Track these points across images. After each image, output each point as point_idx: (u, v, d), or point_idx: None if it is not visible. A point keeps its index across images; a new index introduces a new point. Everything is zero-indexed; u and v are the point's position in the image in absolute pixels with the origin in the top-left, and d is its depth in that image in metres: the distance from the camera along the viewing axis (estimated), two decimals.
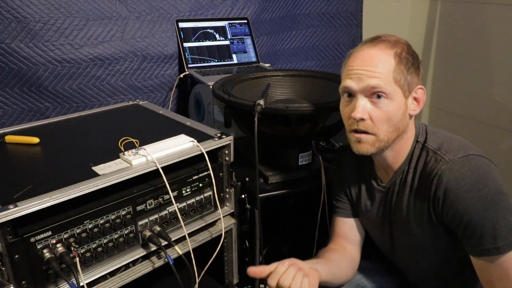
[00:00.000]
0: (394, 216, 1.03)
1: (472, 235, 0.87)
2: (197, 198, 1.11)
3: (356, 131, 0.93)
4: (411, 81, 0.92)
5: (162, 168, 0.97)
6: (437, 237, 0.97)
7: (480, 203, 0.86)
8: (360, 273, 1.19)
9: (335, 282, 1.09)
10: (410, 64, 0.92)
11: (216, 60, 1.86)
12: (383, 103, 0.90)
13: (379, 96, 0.90)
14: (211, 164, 1.07)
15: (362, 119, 0.91)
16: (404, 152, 0.98)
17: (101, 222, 0.93)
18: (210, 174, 1.09)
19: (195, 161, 1.08)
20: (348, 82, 0.92)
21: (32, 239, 0.83)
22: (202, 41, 1.85)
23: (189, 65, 1.80)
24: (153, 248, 1.02)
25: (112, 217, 0.94)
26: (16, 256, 0.81)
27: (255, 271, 0.91)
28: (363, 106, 0.91)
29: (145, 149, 1.01)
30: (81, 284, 0.87)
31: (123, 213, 0.96)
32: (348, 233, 1.16)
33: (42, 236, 0.84)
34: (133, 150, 1.00)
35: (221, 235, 1.15)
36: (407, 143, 0.97)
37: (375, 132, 0.92)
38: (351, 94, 0.94)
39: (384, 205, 1.06)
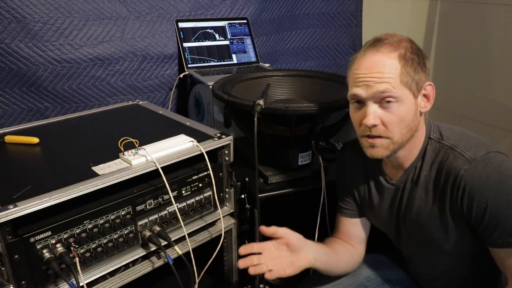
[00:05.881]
0: (404, 213, 1.04)
1: (495, 229, 0.90)
2: (197, 198, 1.11)
3: (369, 136, 0.94)
4: (419, 80, 0.91)
5: (161, 168, 0.97)
6: (449, 232, 0.97)
7: (503, 201, 0.88)
8: (368, 266, 1.20)
9: (332, 271, 1.11)
10: (416, 63, 0.91)
11: (216, 60, 1.86)
12: (394, 107, 0.90)
13: (389, 101, 0.90)
14: (210, 164, 1.07)
15: (374, 125, 0.91)
16: (416, 150, 0.98)
17: (100, 222, 0.93)
18: (209, 174, 1.09)
19: (195, 161, 1.08)
20: (356, 90, 0.92)
21: (32, 239, 0.83)
22: (202, 41, 1.85)
23: (189, 65, 1.80)
24: (153, 248, 1.02)
25: (112, 217, 0.94)
26: (16, 256, 0.81)
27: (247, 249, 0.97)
28: (374, 112, 0.91)
29: (144, 149, 1.01)
30: (81, 284, 0.87)
31: (122, 213, 0.96)
32: (352, 231, 1.17)
33: (41, 236, 0.84)
34: (133, 150, 1.00)
35: (220, 235, 1.15)
36: (419, 141, 0.98)
37: (389, 135, 0.92)
38: (360, 101, 0.94)
39: (393, 202, 1.06)
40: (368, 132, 0.93)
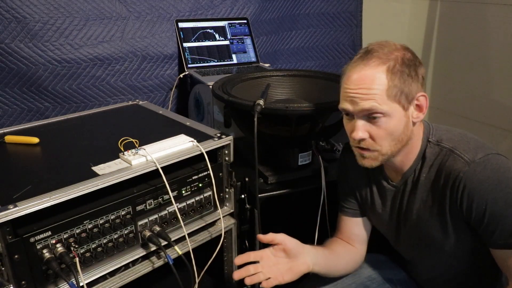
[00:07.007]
0: (405, 214, 1.04)
1: (495, 230, 0.90)
2: (197, 198, 1.11)
3: (359, 147, 0.95)
4: (409, 92, 0.90)
5: (161, 168, 0.97)
6: (448, 233, 0.98)
7: (503, 202, 0.88)
8: (370, 266, 1.20)
9: (332, 274, 1.10)
10: (406, 75, 0.89)
11: (216, 60, 1.86)
12: (382, 121, 0.90)
13: (375, 117, 0.90)
14: (210, 164, 1.07)
15: (363, 139, 0.92)
16: (413, 154, 0.98)
17: (100, 222, 0.93)
18: (209, 174, 1.09)
19: (195, 161, 1.08)
20: (344, 105, 0.93)
21: (32, 239, 0.83)
22: (202, 41, 1.85)
23: (189, 65, 1.80)
24: (153, 248, 1.02)
25: (112, 217, 0.94)
26: (16, 256, 0.81)
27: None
28: (362, 127, 0.91)
29: (144, 149, 1.01)
30: (81, 284, 0.87)
31: (122, 213, 0.96)
32: (354, 231, 1.17)
33: (41, 236, 0.84)
34: (133, 150, 1.00)
35: (220, 235, 1.15)
36: (415, 146, 0.98)
37: (377, 148, 0.93)
38: (349, 114, 0.94)
39: (394, 203, 1.06)
40: (357, 144, 0.94)
